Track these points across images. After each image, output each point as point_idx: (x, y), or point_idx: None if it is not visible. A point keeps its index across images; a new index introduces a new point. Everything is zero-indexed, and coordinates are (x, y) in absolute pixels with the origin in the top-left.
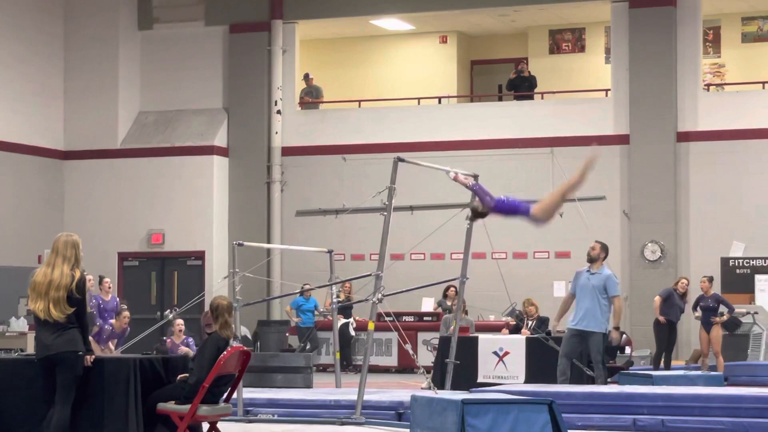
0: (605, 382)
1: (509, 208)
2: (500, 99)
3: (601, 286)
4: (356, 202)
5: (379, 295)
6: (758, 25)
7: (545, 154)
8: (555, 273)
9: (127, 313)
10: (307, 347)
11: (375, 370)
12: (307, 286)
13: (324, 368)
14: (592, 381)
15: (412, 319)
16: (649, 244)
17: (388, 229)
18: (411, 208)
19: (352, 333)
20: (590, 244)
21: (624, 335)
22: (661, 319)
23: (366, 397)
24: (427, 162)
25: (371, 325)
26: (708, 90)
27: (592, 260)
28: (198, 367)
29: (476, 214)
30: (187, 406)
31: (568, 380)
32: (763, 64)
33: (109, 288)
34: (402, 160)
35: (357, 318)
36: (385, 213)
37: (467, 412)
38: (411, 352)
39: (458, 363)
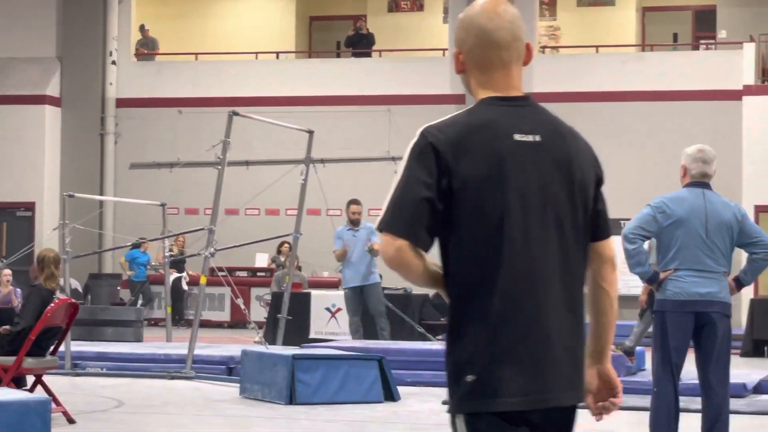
0: (390, 335)
1: None
2: (338, 56)
3: (367, 238)
4: (191, 156)
5: (212, 249)
6: None
7: (382, 112)
8: None
9: None
10: (140, 301)
11: (208, 325)
12: (142, 239)
13: (156, 322)
14: (423, 338)
15: (246, 275)
16: None
17: (221, 184)
18: (246, 163)
19: (185, 287)
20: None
21: None
22: None
23: (197, 352)
24: (264, 117)
25: (203, 280)
26: (543, 53)
27: (356, 222)
28: (22, 317)
29: None
30: (12, 359)
31: (362, 336)
32: (597, 28)
33: None
34: (236, 114)
35: (190, 272)
36: (219, 167)
37: (297, 367)
38: (243, 307)
39: (290, 319)
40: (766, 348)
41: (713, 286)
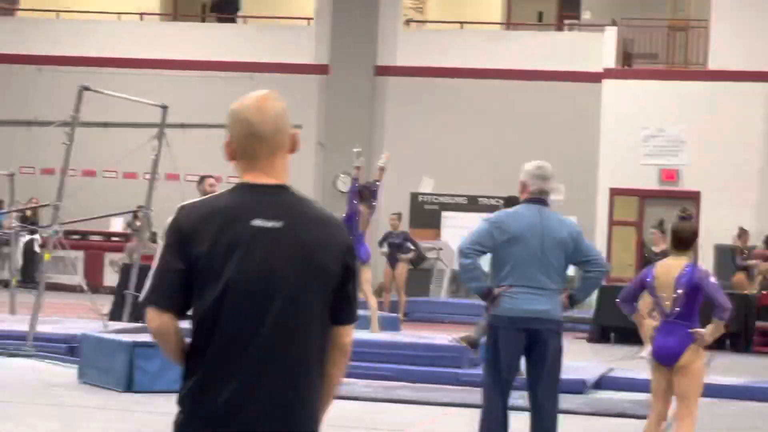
0: None
1: None
2: (203, 20)
3: None
4: (49, 115)
5: (56, 226)
6: None
7: (245, 78)
8: None
9: None
10: None
11: (61, 288)
12: None
13: (6, 284)
14: None
15: (100, 239)
16: (342, 176)
17: (69, 159)
18: (105, 125)
19: (37, 249)
20: None
21: None
22: None
23: (39, 328)
24: (125, 79)
25: (47, 256)
26: (409, 26)
27: None
28: None
29: None
30: None
31: None
32: (464, 3)
33: None
34: (87, 89)
35: (44, 235)
36: (67, 143)
37: (137, 354)
38: (85, 288)
39: (137, 295)
40: (611, 334)
41: (546, 303)
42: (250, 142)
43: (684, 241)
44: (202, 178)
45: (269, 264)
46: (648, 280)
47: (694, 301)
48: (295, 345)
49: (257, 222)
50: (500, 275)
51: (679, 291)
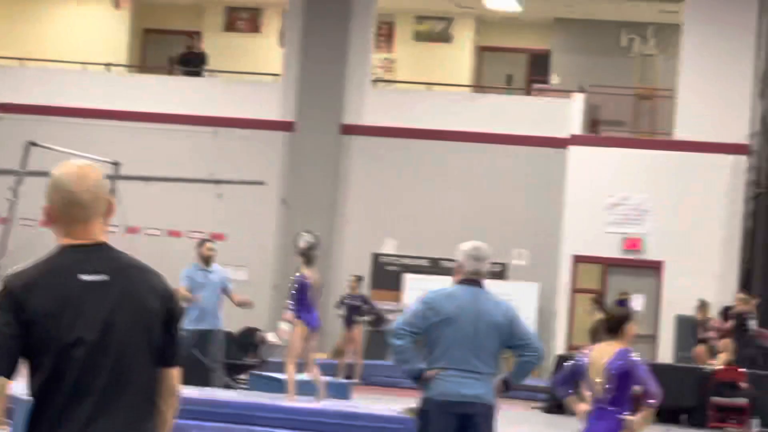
0: (225, 385)
1: None
2: (170, 73)
3: (222, 282)
4: (12, 164)
5: None
6: (431, 25)
7: (208, 133)
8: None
9: None
10: None
11: None
12: None
13: None
14: (226, 385)
15: None
16: (305, 234)
17: (14, 214)
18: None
19: None
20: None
21: (259, 332)
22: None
23: None
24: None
25: None
26: (376, 86)
27: (212, 259)
28: None
29: None
30: None
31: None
32: (432, 64)
33: None
34: (35, 145)
35: None
36: (13, 199)
37: None
38: None
39: None
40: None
41: (479, 387)
42: (70, 208)
43: (615, 326)
44: (202, 242)
45: (101, 316)
46: (581, 364)
47: (625, 386)
48: (130, 390)
49: (84, 277)
50: (433, 357)
51: (610, 376)
